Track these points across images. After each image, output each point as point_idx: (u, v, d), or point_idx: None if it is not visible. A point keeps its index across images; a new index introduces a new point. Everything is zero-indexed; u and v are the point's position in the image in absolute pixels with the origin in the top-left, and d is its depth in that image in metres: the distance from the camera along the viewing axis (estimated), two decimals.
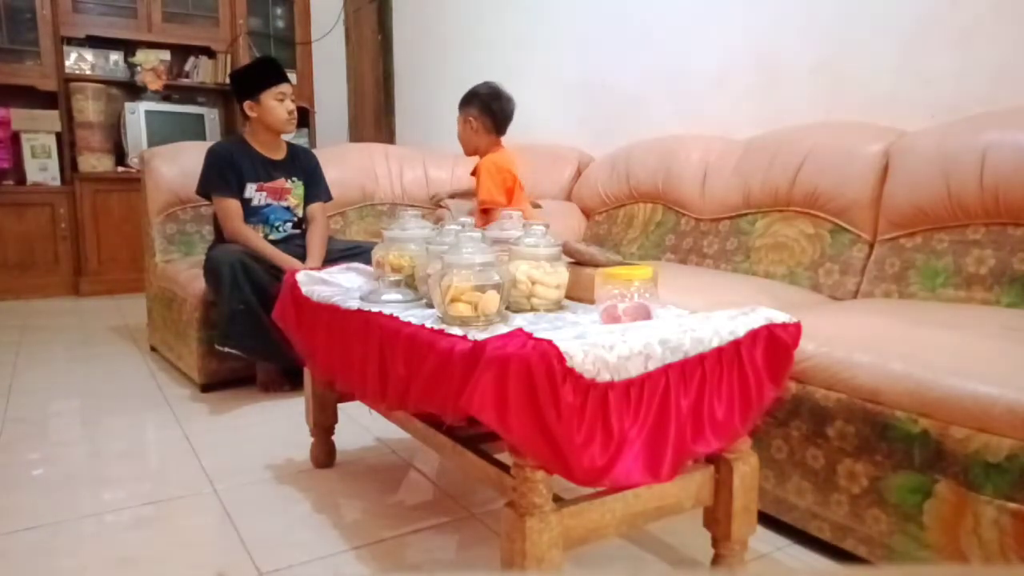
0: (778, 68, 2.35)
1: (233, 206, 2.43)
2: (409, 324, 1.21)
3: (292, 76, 4.88)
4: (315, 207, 2.60)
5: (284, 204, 2.55)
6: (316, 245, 2.50)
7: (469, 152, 2.57)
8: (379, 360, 1.27)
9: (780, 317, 1.18)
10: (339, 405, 1.81)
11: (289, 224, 2.56)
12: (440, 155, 3.55)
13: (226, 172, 2.44)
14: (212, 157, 2.47)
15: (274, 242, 2.48)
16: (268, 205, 2.51)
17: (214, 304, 2.35)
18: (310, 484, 1.73)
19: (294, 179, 2.57)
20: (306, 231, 2.58)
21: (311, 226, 2.57)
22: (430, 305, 1.32)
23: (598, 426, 1.01)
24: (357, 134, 5.08)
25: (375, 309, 1.32)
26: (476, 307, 1.16)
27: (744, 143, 2.30)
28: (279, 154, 2.56)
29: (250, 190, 2.48)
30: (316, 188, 2.64)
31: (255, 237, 2.44)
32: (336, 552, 1.41)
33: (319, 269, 2.14)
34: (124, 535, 1.49)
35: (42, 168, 4.32)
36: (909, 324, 1.40)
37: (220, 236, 2.51)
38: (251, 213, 2.48)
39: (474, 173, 2.57)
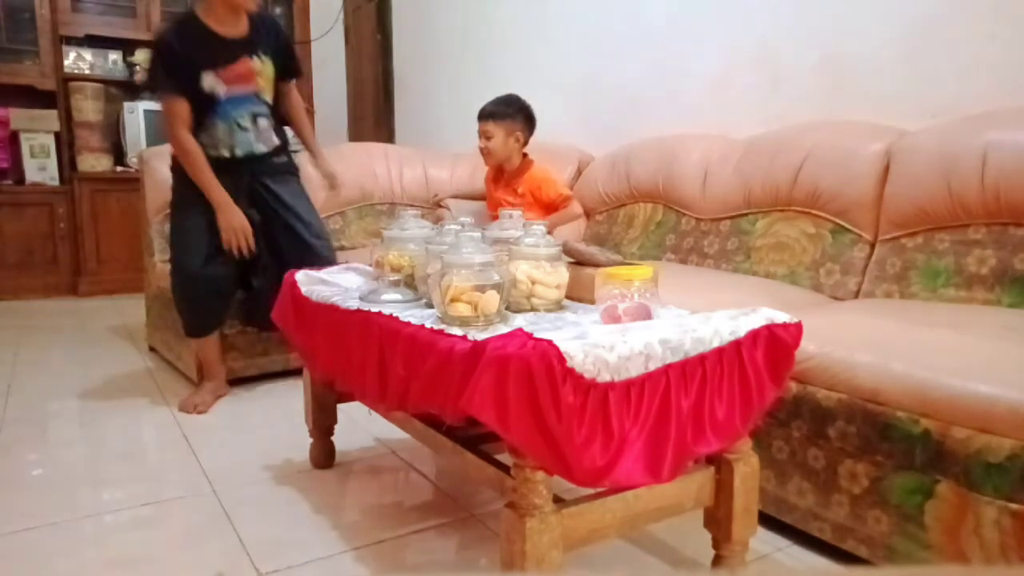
0: (779, 67, 2.35)
1: (180, 109, 2.09)
2: (409, 324, 1.20)
3: None
4: (290, 85, 2.32)
5: (251, 90, 2.16)
6: (311, 139, 2.34)
7: (497, 163, 2.58)
8: (379, 360, 1.27)
9: (781, 317, 1.18)
10: (339, 406, 1.80)
11: (262, 119, 2.19)
12: (440, 155, 3.54)
13: (174, 67, 2.06)
14: (158, 48, 2.12)
15: (242, 160, 2.18)
16: (231, 98, 2.13)
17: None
18: (309, 485, 1.72)
19: (260, 55, 2.16)
20: (279, 131, 2.29)
21: (293, 113, 2.33)
22: (430, 305, 1.31)
23: (598, 426, 1.00)
24: (357, 134, 5.07)
25: (375, 309, 1.32)
26: (476, 307, 1.16)
27: (745, 143, 2.30)
28: (239, 29, 2.13)
29: (208, 81, 2.09)
30: (290, 62, 2.31)
31: (198, 157, 2.11)
32: (336, 553, 1.41)
33: (330, 174, 2.32)
34: (123, 536, 1.49)
35: (41, 168, 4.31)
36: (910, 324, 1.39)
37: (174, 251, 2.28)
38: (210, 111, 2.12)
39: (506, 184, 2.59)
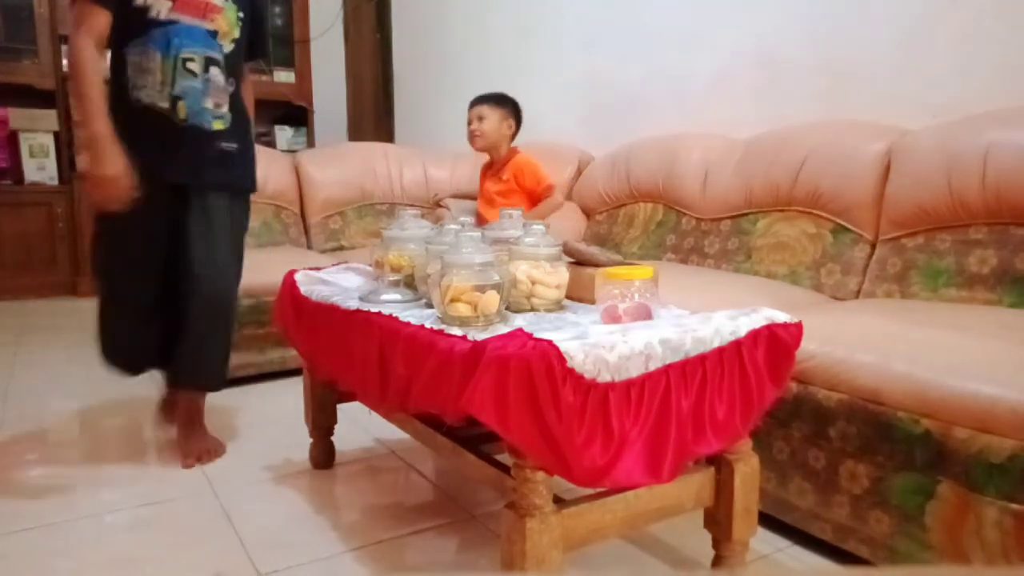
0: (779, 67, 2.34)
1: (96, 18, 1.57)
2: (409, 324, 1.20)
3: (291, 75, 4.93)
4: (250, 68, 1.85)
5: (207, 25, 1.66)
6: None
7: (486, 147, 2.57)
8: (379, 361, 1.26)
9: (781, 317, 1.18)
10: (339, 406, 1.80)
11: (216, 69, 1.68)
12: (439, 155, 3.55)
13: None
14: None
15: (189, 133, 1.65)
16: (177, 24, 1.61)
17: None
18: (309, 485, 1.72)
19: None
20: (237, 108, 1.77)
21: (247, 100, 1.83)
22: (430, 305, 1.31)
23: (598, 427, 1.00)
24: (356, 134, 5.07)
25: (375, 309, 1.31)
26: (476, 307, 1.16)
27: (745, 142, 2.29)
28: None
29: None
30: (260, 30, 1.86)
31: (91, 70, 1.56)
32: (335, 553, 1.41)
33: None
34: (122, 536, 1.49)
35: (40, 167, 4.31)
36: (911, 324, 1.39)
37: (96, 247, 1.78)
38: (142, 32, 1.59)
39: (493, 173, 2.59)
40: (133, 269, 1.74)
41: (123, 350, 1.85)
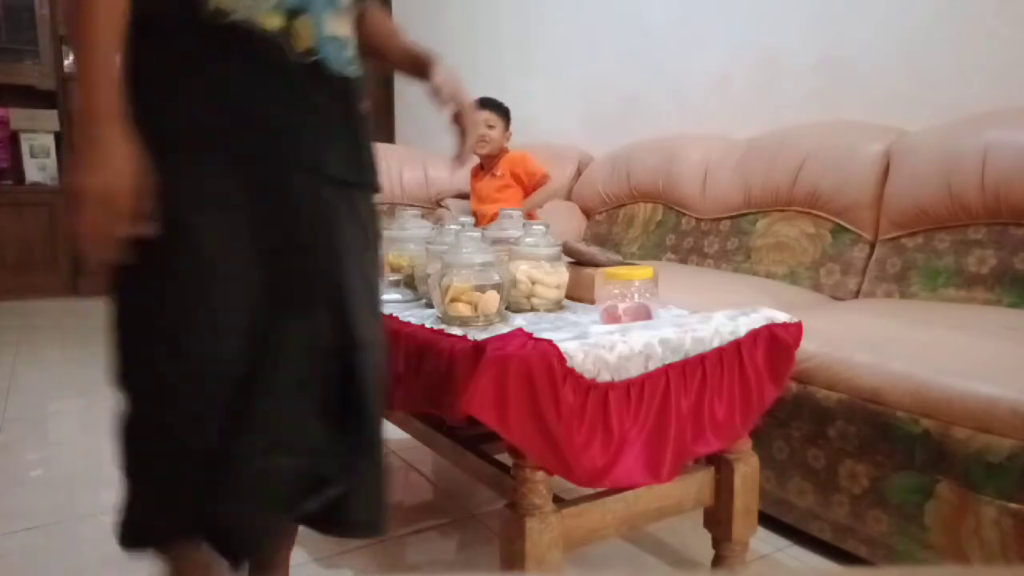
0: (779, 68, 2.35)
1: None
2: (409, 324, 1.20)
3: None
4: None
5: None
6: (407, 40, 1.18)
7: (488, 153, 2.61)
8: None
9: (781, 317, 1.18)
10: None
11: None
12: (440, 155, 3.54)
13: None
14: None
15: (320, 79, 0.88)
16: None
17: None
18: None
19: None
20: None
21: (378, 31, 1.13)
22: (430, 305, 1.31)
23: (598, 426, 1.00)
24: None
25: None
26: (476, 307, 1.16)
27: (745, 143, 2.30)
28: None
29: None
30: None
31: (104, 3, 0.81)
32: (335, 553, 1.41)
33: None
34: None
35: (41, 168, 4.32)
36: (910, 324, 1.39)
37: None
38: None
39: (486, 172, 2.63)
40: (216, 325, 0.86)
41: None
